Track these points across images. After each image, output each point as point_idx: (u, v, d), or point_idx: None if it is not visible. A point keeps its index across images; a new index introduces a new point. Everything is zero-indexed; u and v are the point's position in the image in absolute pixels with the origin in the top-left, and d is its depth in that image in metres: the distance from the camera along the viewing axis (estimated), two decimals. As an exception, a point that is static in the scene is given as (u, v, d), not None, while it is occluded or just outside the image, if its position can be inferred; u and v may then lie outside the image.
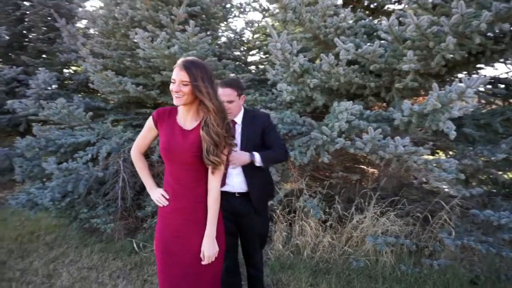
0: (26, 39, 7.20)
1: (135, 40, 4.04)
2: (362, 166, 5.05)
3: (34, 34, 7.04)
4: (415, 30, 2.66)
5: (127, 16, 4.57)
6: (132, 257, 3.54)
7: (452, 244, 2.97)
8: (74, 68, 7.31)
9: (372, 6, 4.75)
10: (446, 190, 3.72)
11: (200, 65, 1.70)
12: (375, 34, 3.56)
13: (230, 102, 2.25)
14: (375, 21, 3.86)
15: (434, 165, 2.83)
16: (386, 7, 4.58)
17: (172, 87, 1.70)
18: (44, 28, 7.00)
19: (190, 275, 1.79)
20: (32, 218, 4.68)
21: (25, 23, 6.86)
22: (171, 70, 2.03)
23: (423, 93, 3.91)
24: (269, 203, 3.59)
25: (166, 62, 4.08)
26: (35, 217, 4.56)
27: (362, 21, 3.71)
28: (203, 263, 1.78)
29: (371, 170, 4.93)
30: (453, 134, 2.61)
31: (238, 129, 2.35)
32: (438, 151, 4.48)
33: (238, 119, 2.37)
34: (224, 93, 2.24)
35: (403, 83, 3.17)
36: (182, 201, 1.80)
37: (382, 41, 3.21)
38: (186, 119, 1.79)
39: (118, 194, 4.00)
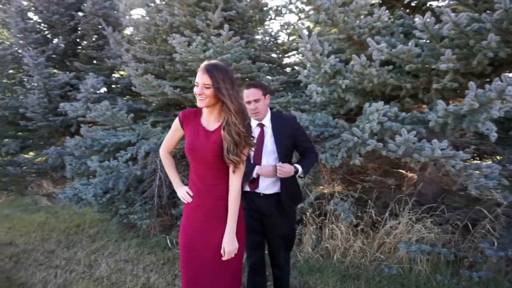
0: (79, 47, 7.75)
1: (173, 45, 4.21)
2: (401, 171, 4.85)
3: (86, 42, 7.56)
4: (453, 28, 2.53)
5: (166, 22, 4.77)
6: (165, 252, 3.67)
7: (495, 255, 2.77)
8: (121, 72, 7.74)
9: (413, 4, 4.58)
10: (492, 196, 3.48)
11: (222, 69, 1.76)
12: (414, 33, 3.43)
13: (257, 101, 2.32)
14: (416, 19, 3.71)
15: (476, 171, 2.67)
16: (428, 4, 4.39)
17: (195, 90, 1.77)
18: (95, 36, 7.49)
19: (209, 271, 1.83)
20: (79, 212, 5.03)
21: (78, 32, 7.38)
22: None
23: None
24: (299, 205, 3.58)
25: (201, 66, 4.20)
26: (81, 211, 4.89)
27: (401, 19, 3.59)
28: (223, 258, 1.81)
29: (410, 174, 4.72)
30: (493, 136, 2.45)
31: (268, 131, 2.38)
32: (485, 156, 4.20)
33: (266, 121, 2.40)
34: (250, 93, 2.32)
35: (442, 83, 3.02)
36: (204, 198, 1.86)
37: (421, 40, 3.08)
38: (209, 120, 1.85)
39: (155, 192, 4.17)
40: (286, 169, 2.27)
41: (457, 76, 3.00)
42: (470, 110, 2.40)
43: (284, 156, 2.36)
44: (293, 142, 2.42)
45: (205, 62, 1.79)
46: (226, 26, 3.96)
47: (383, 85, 3.34)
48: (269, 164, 2.33)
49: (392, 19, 3.80)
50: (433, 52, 2.91)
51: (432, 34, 2.71)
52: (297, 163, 2.38)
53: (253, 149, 1.93)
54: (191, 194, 1.91)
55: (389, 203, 3.58)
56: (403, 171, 4.86)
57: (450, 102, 3.45)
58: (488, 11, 2.68)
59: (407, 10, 4.54)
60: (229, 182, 1.83)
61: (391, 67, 3.12)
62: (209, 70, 1.73)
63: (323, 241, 3.47)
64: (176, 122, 1.94)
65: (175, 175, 2.08)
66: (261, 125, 2.38)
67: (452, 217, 3.47)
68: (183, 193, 1.95)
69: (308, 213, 3.58)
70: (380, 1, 4.49)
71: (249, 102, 2.31)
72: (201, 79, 1.73)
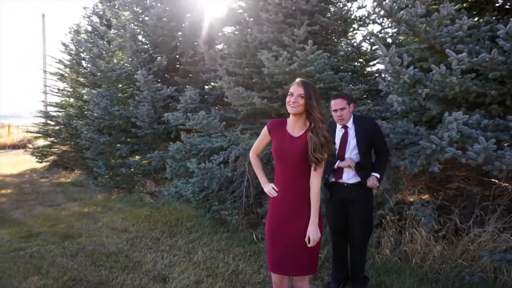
0: (178, 63, 8.74)
1: (262, 60, 4.68)
2: (494, 180, 4.62)
3: (184, 58, 8.51)
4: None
5: (256, 39, 5.28)
6: (252, 246, 4.11)
7: None
8: (212, 84, 8.54)
9: (507, 6, 4.38)
10: None
11: (312, 85, 2.20)
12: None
13: (342, 109, 2.84)
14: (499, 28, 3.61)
15: None
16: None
17: (289, 98, 2.18)
18: (192, 52, 8.39)
19: (292, 253, 2.19)
20: (178, 208, 5.77)
21: (178, 50, 8.36)
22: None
23: None
24: (378, 211, 3.74)
25: (287, 78, 4.62)
26: (180, 207, 5.62)
27: (488, 25, 3.54)
28: (309, 245, 2.15)
29: (504, 184, 4.47)
30: None
31: (351, 132, 2.89)
32: None
33: (349, 123, 2.91)
34: (337, 103, 2.85)
35: (531, 90, 2.95)
36: (288, 193, 2.23)
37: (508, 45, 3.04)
38: (295, 127, 2.23)
39: (243, 192, 4.66)
40: (373, 182, 2.85)
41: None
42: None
43: (364, 152, 2.89)
44: (371, 140, 2.92)
45: (299, 78, 2.23)
46: (310, 41, 4.29)
47: (467, 92, 3.34)
48: (350, 158, 2.86)
49: (480, 24, 3.75)
50: (519, 58, 2.87)
51: (516, 41, 2.70)
52: (373, 171, 2.91)
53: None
54: (276, 189, 2.29)
55: (473, 210, 3.52)
56: (496, 181, 4.63)
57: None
58: None
59: (503, 13, 4.36)
60: (310, 180, 2.17)
61: (473, 75, 3.13)
62: (304, 84, 2.15)
63: (402, 245, 3.56)
64: (265, 130, 2.35)
65: (262, 174, 2.48)
66: (345, 127, 2.91)
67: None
68: (269, 188, 2.33)
69: (388, 217, 3.68)
70: (468, 6, 4.41)
71: (335, 110, 2.85)
72: (297, 90, 2.13)
